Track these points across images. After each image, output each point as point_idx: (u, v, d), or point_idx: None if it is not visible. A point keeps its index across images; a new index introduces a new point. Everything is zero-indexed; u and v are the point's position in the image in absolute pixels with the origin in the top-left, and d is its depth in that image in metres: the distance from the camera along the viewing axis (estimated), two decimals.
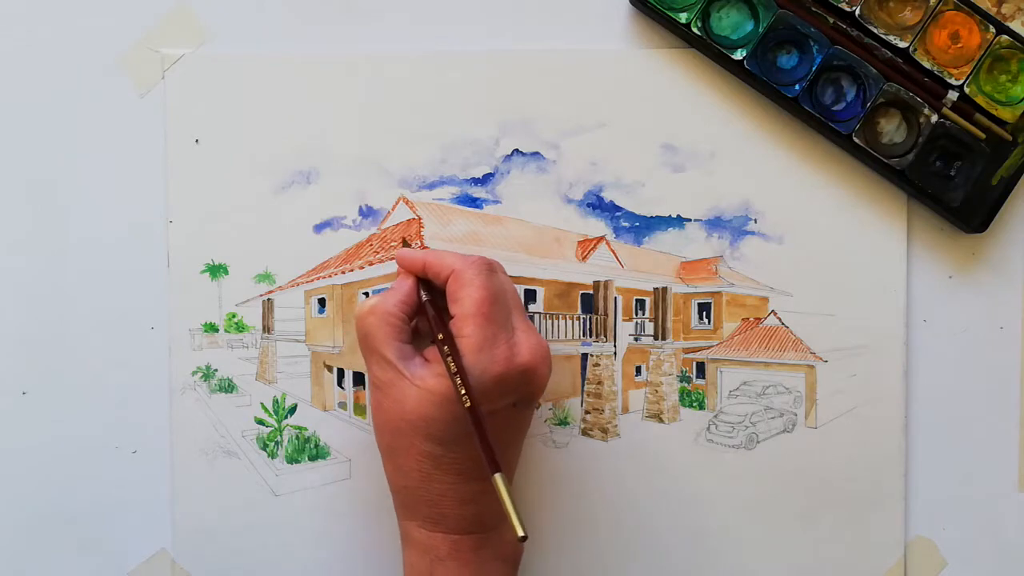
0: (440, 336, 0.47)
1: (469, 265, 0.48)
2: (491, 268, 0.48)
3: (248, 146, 0.56)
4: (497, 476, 0.44)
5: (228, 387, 0.56)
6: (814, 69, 0.54)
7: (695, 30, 0.54)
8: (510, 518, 0.43)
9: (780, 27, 0.54)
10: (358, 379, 0.57)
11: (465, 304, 0.47)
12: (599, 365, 0.57)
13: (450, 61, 0.56)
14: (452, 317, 0.48)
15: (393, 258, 0.55)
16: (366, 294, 0.58)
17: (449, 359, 0.46)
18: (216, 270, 0.56)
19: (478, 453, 0.45)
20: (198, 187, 0.56)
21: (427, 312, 0.49)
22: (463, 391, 0.45)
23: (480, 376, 0.46)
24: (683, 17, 0.54)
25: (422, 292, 0.49)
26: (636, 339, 0.57)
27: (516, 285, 0.57)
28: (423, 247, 0.56)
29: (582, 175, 0.56)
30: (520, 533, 0.43)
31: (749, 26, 0.54)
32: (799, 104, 0.54)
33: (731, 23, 0.55)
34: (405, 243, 0.53)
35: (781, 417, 0.56)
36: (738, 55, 0.54)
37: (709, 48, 0.54)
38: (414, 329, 0.50)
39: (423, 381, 0.46)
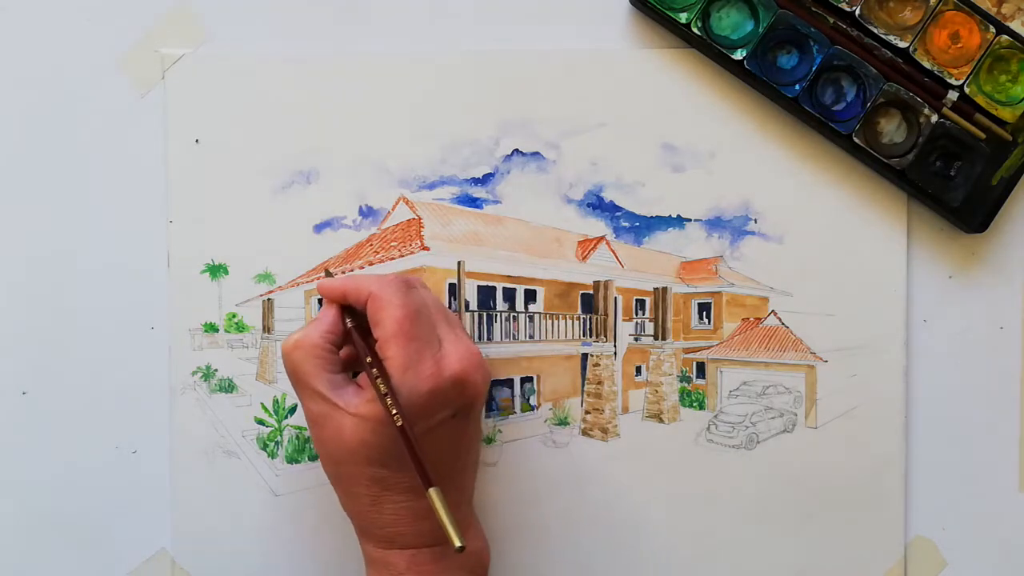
0: (367, 360, 0.47)
1: (385, 286, 0.48)
2: (408, 285, 0.49)
3: (248, 146, 0.56)
4: (432, 491, 0.44)
5: (228, 387, 0.56)
6: (814, 69, 0.54)
7: (695, 30, 0.54)
8: (445, 531, 0.44)
9: (780, 27, 0.54)
10: None
11: (386, 325, 0.47)
12: (599, 365, 0.57)
13: (450, 61, 0.56)
14: (376, 340, 0.48)
15: (392, 258, 0.55)
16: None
17: (378, 381, 0.46)
18: (216, 270, 0.56)
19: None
20: (198, 187, 0.56)
21: (353, 339, 0.49)
22: (394, 412, 0.45)
23: (409, 395, 0.46)
24: (683, 17, 0.54)
25: (346, 319, 0.49)
26: (636, 339, 0.57)
27: (516, 285, 0.57)
28: (423, 247, 0.56)
29: (582, 175, 0.56)
30: (456, 544, 0.44)
31: (749, 26, 0.54)
32: (799, 104, 0.54)
33: (731, 23, 0.55)
34: (328, 273, 0.53)
35: (781, 417, 0.56)
36: (738, 55, 0.54)
37: (709, 48, 0.54)
38: (346, 357, 0.50)
39: (356, 409, 0.47)
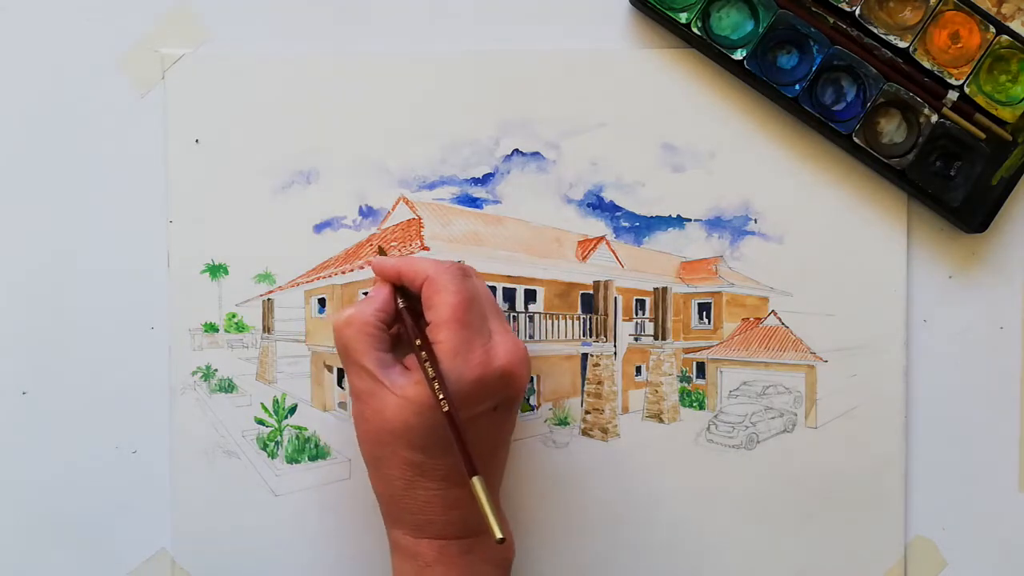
0: (417, 342, 0.47)
1: (443, 271, 0.48)
2: (465, 273, 0.49)
3: (248, 146, 0.56)
4: (475, 480, 0.44)
5: (228, 387, 0.56)
6: (814, 69, 0.54)
7: (695, 30, 0.54)
8: (487, 521, 0.43)
9: (780, 27, 0.54)
10: None
11: (440, 310, 0.47)
12: (599, 365, 0.57)
13: (450, 61, 0.56)
14: (428, 324, 0.48)
15: (403, 255, 0.55)
16: (366, 294, 0.58)
17: (426, 364, 0.46)
18: (216, 270, 0.56)
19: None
20: (198, 187, 0.56)
21: (404, 319, 0.49)
22: (441, 396, 0.45)
23: (457, 381, 0.46)
24: (683, 17, 0.54)
25: (399, 300, 0.49)
26: (636, 339, 0.57)
27: (516, 285, 0.57)
28: (423, 247, 0.56)
29: (582, 175, 0.56)
30: (497, 535, 0.43)
31: (749, 26, 0.54)
32: (799, 104, 0.54)
33: (731, 23, 0.55)
34: (381, 251, 0.53)
35: (781, 417, 0.56)
36: (738, 55, 0.54)
37: (709, 48, 0.54)
38: (395, 336, 0.50)
39: (402, 390, 0.46)
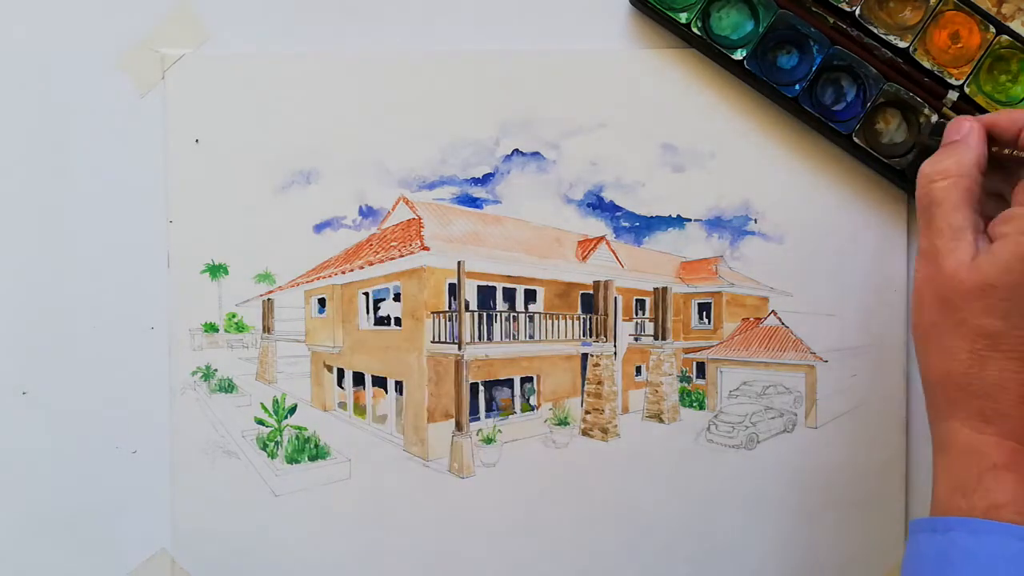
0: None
1: None
2: None
3: (248, 146, 0.56)
4: None
5: (228, 387, 0.56)
6: (814, 69, 0.54)
7: (695, 30, 0.54)
8: None
9: (780, 27, 0.54)
10: (358, 379, 0.57)
11: None
12: (599, 365, 0.57)
13: (450, 61, 0.56)
14: None
15: (392, 258, 0.55)
16: (366, 295, 0.58)
17: None
18: (216, 270, 0.56)
19: None
20: (198, 187, 0.56)
21: (1010, 164, 0.44)
22: None
23: None
24: (683, 17, 0.54)
25: (1001, 146, 0.45)
26: (636, 339, 0.57)
27: (516, 285, 0.57)
28: (423, 247, 0.56)
29: (582, 175, 0.56)
30: None
31: (749, 26, 0.54)
32: (799, 104, 0.54)
33: (731, 23, 0.55)
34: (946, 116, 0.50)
35: (781, 417, 0.56)
36: (738, 55, 0.54)
37: (709, 48, 0.54)
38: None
39: (987, 250, 0.41)
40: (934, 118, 0.54)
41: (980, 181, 0.44)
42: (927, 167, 0.44)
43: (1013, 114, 0.45)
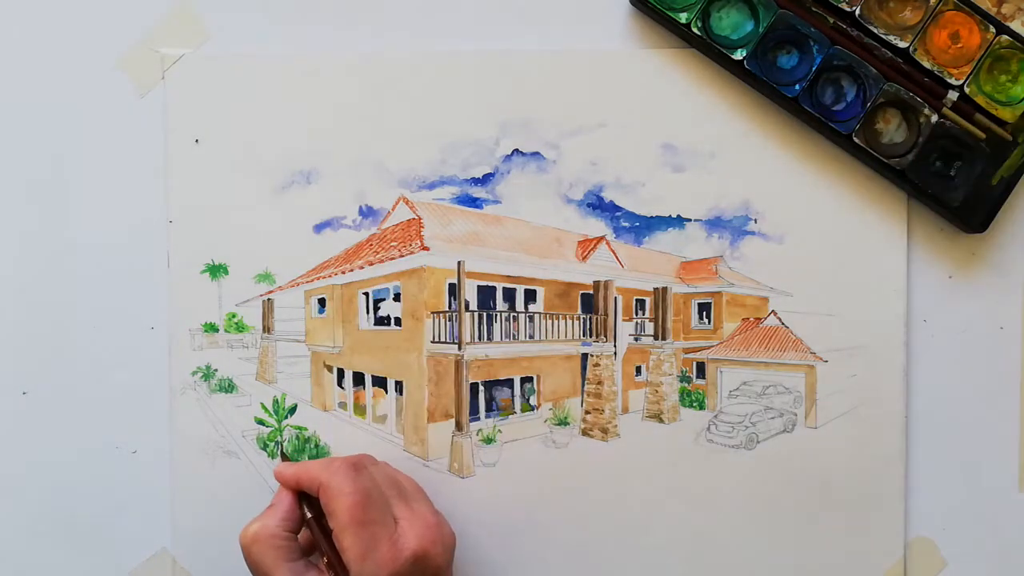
0: (324, 560, 0.48)
1: (334, 474, 0.48)
2: (357, 468, 0.49)
3: (248, 146, 0.56)
4: None
5: (228, 387, 0.56)
6: (814, 69, 0.54)
7: (695, 30, 0.54)
8: None
9: (780, 27, 0.54)
10: (358, 379, 0.57)
11: (339, 515, 0.47)
12: (599, 365, 0.57)
13: (450, 61, 0.56)
14: (332, 531, 0.48)
15: (392, 258, 0.55)
16: (366, 295, 0.58)
17: None
18: (216, 270, 0.56)
19: None
20: (198, 187, 0.56)
21: (312, 530, 0.50)
22: None
23: None
24: (683, 17, 0.54)
25: (305, 510, 0.50)
26: (636, 339, 0.57)
27: (516, 285, 0.57)
28: (423, 247, 0.56)
29: (582, 175, 0.56)
30: None
31: (749, 26, 0.54)
32: (799, 104, 0.54)
33: (731, 23, 0.55)
34: (284, 455, 0.54)
35: (781, 417, 0.56)
36: (738, 55, 0.54)
37: (709, 48, 0.54)
38: (306, 541, 0.50)
39: None
40: (934, 118, 0.54)
41: (291, 537, 0.49)
42: (244, 529, 0.49)
43: (311, 472, 0.49)
